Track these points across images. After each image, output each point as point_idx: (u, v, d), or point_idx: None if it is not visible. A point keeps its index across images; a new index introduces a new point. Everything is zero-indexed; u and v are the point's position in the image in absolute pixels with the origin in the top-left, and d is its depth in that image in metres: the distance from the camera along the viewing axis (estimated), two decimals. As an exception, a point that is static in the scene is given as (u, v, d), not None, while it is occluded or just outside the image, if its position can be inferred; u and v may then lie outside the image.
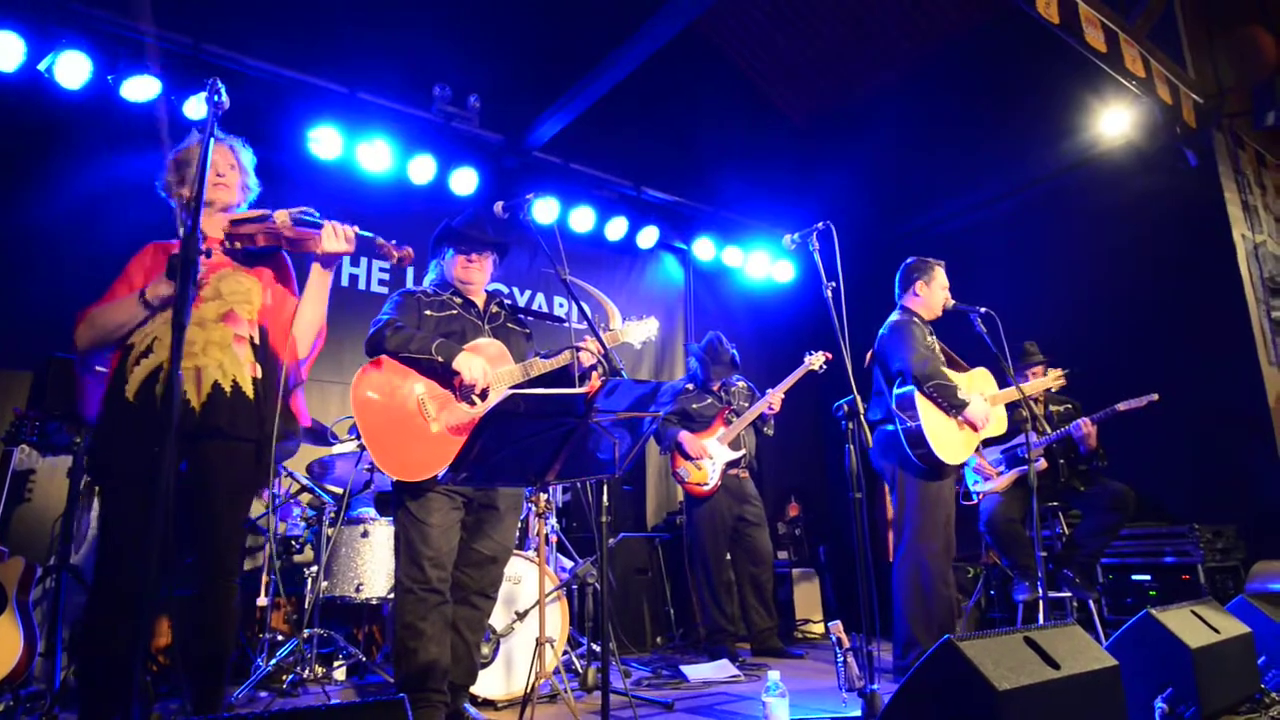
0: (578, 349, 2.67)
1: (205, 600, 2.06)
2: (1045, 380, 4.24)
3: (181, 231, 1.79)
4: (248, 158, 2.49)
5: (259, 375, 2.26)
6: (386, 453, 2.56)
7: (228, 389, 2.16)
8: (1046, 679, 1.85)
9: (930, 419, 3.58)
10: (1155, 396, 4.03)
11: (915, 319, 3.85)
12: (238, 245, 2.30)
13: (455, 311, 2.87)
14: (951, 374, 3.72)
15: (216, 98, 1.92)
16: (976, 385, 3.86)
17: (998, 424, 3.84)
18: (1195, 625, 2.58)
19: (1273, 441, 4.74)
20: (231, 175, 2.40)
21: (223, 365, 2.18)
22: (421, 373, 2.67)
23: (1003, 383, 3.93)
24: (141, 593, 1.93)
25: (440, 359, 2.61)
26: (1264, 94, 5.26)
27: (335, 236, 2.40)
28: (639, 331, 2.89)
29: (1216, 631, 2.60)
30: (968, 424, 3.65)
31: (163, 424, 1.58)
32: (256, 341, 2.29)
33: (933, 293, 3.91)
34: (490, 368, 2.69)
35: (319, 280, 2.43)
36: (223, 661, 2.12)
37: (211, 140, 1.90)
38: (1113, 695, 2.07)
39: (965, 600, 4.91)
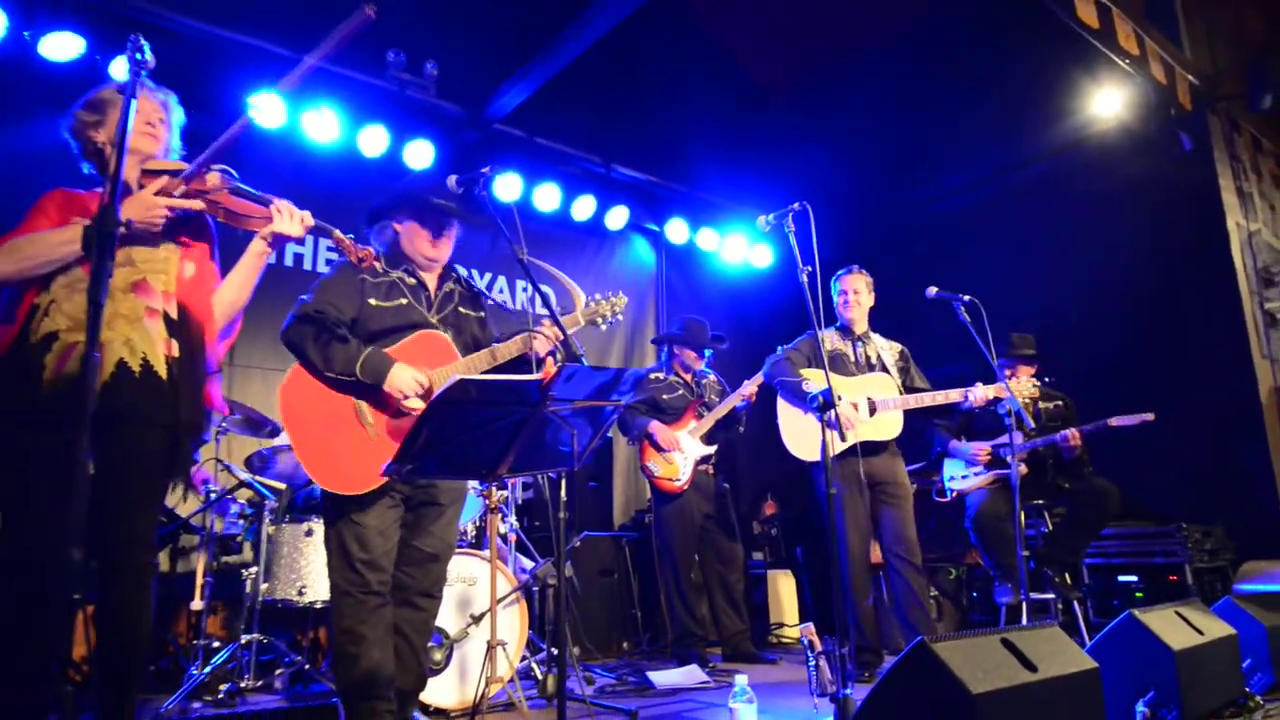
0: (532, 335, 2.62)
1: (120, 602, 1.99)
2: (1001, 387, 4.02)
3: (106, 193, 1.68)
4: (178, 117, 2.39)
5: (175, 354, 2.15)
6: (321, 464, 2.50)
7: (136, 368, 2.06)
8: (1023, 682, 1.89)
9: (784, 415, 4.18)
10: (1150, 416, 4.09)
11: (830, 330, 4.28)
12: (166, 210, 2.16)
13: (405, 300, 2.74)
14: (814, 373, 4.03)
15: (139, 56, 1.85)
16: (863, 388, 4.05)
17: (886, 427, 4.01)
18: (1179, 627, 2.65)
19: (1263, 437, 4.86)
20: (160, 129, 2.31)
21: (131, 341, 2.07)
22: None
23: (988, 377, 3.97)
24: (55, 594, 1.89)
25: (369, 382, 2.52)
26: (1259, 75, 5.31)
27: (288, 219, 2.32)
28: (606, 309, 2.84)
29: (1201, 633, 2.67)
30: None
31: (74, 410, 1.53)
32: (173, 316, 2.18)
33: (842, 306, 4.30)
34: (430, 370, 2.61)
35: (256, 261, 2.35)
36: (137, 670, 2.07)
37: (133, 102, 1.83)
38: (1092, 698, 2.11)
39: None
